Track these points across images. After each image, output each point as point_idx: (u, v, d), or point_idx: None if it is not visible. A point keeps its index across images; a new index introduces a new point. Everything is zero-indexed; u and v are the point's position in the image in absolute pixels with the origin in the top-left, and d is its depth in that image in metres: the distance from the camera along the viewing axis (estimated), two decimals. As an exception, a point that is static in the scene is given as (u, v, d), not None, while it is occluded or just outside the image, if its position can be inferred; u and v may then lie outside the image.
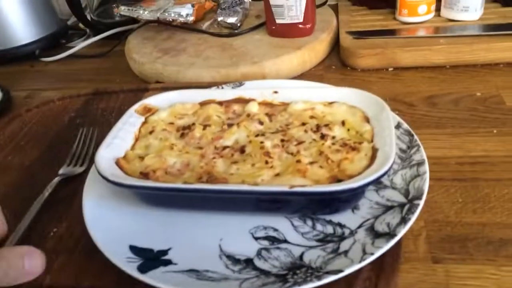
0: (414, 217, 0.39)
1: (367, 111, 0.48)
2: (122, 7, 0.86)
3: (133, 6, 0.86)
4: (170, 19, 0.84)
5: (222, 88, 0.60)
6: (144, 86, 0.72)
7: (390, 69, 0.71)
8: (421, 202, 0.40)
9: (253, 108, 0.51)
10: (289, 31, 0.77)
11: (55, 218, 0.49)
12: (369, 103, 0.48)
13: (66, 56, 0.93)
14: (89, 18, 1.00)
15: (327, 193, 0.37)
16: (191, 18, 0.83)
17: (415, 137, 0.48)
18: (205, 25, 0.85)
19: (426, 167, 0.44)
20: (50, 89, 0.82)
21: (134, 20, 0.89)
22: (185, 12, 0.83)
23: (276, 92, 0.53)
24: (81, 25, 1.01)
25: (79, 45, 0.95)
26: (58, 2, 1.08)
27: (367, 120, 0.47)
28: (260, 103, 0.52)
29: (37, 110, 0.70)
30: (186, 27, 0.84)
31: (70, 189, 0.52)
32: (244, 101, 0.53)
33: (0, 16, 0.91)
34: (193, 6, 0.84)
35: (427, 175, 0.43)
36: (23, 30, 0.94)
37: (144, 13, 0.85)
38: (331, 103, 0.50)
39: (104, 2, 1.03)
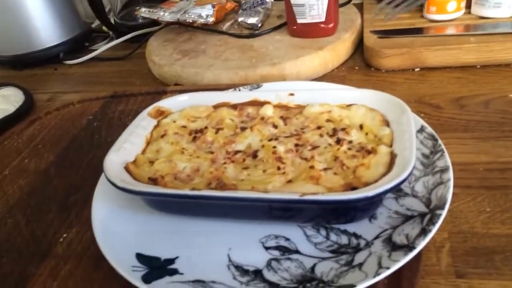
0: (435, 229, 0.36)
1: (387, 114, 0.45)
2: (143, 9, 0.86)
3: (154, 8, 0.86)
4: (190, 20, 0.83)
5: (239, 90, 0.59)
6: (162, 89, 0.71)
7: (417, 69, 0.68)
8: (443, 212, 0.37)
9: (267, 111, 0.49)
10: (311, 31, 0.75)
11: (66, 223, 0.48)
12: (390, 105, 0.45)
13: (89, 58, 0.93)
14: (112, 21, 1.01)
15: (340, 202, 0.35)
16: (211, 19, 0.82)
17: (439, 141, 0.45)
18: (225, 26, 0.84)
19: (450, 174, 0.41)
20: (71, 92, 0.83)
21: (156, 23, 0.89)
22: (205, 13, 0.82)
23: (292, 94, 0.51)
24: (104, 27, 1.02)
25: (102, 48, 0.95)
26: (83, 5, 1.09)
27: (386, 123, 0.44)
28: (275, 106, 0.50)
29: (56, 113, 0.70)
30: (206, 28, 0.83)
31: (83, 193, 0.52)
32: (258, 104, 0.51)
33: (25, 19, 0.92)
34: (213, 7, 0.83)
35: (451, 183, 0.40)
36: (48, 33, 0.95)
37: (164, 15, 0.84)
38: (349, 105, 0.48)
39: (127, 4, 1.03)
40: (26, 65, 0.95)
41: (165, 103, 0.53)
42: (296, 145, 0.44)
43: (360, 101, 0.47)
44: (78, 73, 0.91)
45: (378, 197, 0.35)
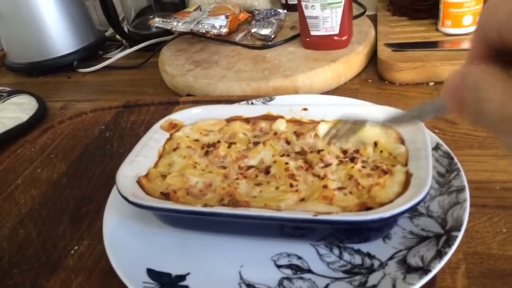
0: (451, 251, 0.36)
1: (402, 132, 0.45)
2: (157, 19, 0.86)
3: (167, 18, 0.86)
4: (204, 31, 0.83)
5: (251, 103, 0.58)
6: (175, 99, 0.71)
7: (431, 83, 0.67)
8: (460, 234, 0.37)
9: (280, 126, 0.49)
10: (324, 43, 0.74)
11: (78, 235, 0.48)
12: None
13: (102, 67, 0.94)
14: (126, 29, 1.01)
15: (354, 223, 0.34)
16: (224, 30, 0.82)
17: (455, 160, 0.45)
18: (238, 37, 0.84)
19: (466, 194, 0.40)
20: (84, 100, 0.83)
21: (169, 32, 0.89)
22: (219, 24, 0.82)
23: (305, 109, 0.50)
24: (118, 36, 1.02)
25: (115, 56, 0.95)
26: (97, 13, 1.10)
27: (401, 141, 0.44)
28: (288, 121, 0.50)
29: (69, 122, 0.71)
30: (219, 39, 0.83)
31: (94, 204, 0.52)
32: (272, 118, 0.51)
33: (40, 27, 0.93)
34: (227, 17, 0.83)
35: (468, 204, 0.39)
36: (63, 41, 0.95)
37: (178, 25, 0.85)
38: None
39: (141, 13, 1.04)
40: (40, 72, 0.96)
41: (178, 116, 0.53)
42: (308, 161, 0.43)
43: (375, 117, 0.47)
44: (91, 81, 0.91)
45: (393, 218, 0.34)
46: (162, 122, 0.52)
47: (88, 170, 0.58)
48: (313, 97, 0.61)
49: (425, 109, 0.31)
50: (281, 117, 0.50)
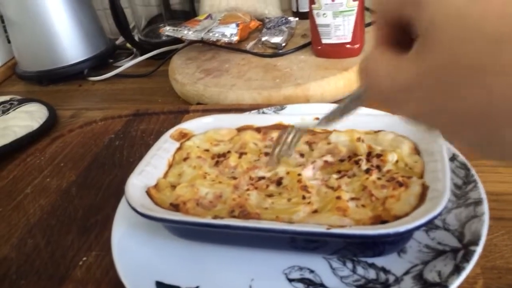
0: (469, 267, 0.34)
1: (417, 142, 0.43)
2: (167, 28, 0.86)
3: (178, 27, 0.86)
4: (214, 39, 0.82)
5: (263, 112, 0.58)
6: (185, 108, 0.71)
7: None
8: (478, 249, 0.36)
9: (292, 136, 0.48)
10: (336, 52, 0.73)
11: (86, 246, 0.47)
12: (420, 132, 0.44)
13: (112, 75, 0.94)
14: (136, 38, 1.01)
15: (368, 237, 0.33)
16: (235, 38, 0.81)
17: (472, 171, 0.43)
18: (249, 45, 0.84)
19: (484, 207, 0.39)
20: (95, 109, 0.83)
21: (180, 40, 0.89)
22: (229, 32, 0.81)
23: (317, 118, 0.49)
24: (128, 44, 1.02)
25: (126, 65, 0.95)
26: (108, 21, 1.11)
27: (417, 152, 0.43)
28: (300, 130, 0.49)
29: (79, 131, 0.70)
30: (230, 47, 0.83)
31: (103, 215, 0.51)
32: (283, 128, 0.50)
33: (52, 36, 0.93)
34: (237, 25, 0.83)
35: (486, 217, 0.38)
36: (74, 50, 0.96)
37: (188, 33, 0.84)
38: (376, 132, 0.46)
39: (151, 22, 1.04)
40: (51, 80, 0.96)
41: (188, 125, 0.52)
42: (323, 168, 0.43)
43: (390, 128, 0.46)
44: (101, 90, 0.91)
45: (409, 233, 0.33)
46: (172, 131, 0.51)
47: (97, 180, 0.58)
48: (325, 106, 0.60)
49: (349, 100, 0.31)
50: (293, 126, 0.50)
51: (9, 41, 1.03)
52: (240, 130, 0.51)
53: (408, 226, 0.33)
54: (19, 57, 1.00)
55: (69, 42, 0.95)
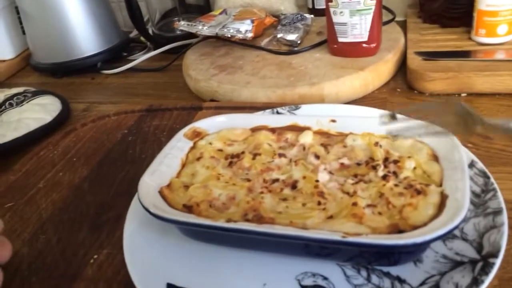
0: (488, 280, 0.34)
1: (435, 148, 0.42)
2: (182, 22, 0.85)
3: (192, 21, 0.85)
4: (229, 35, 0.81)
5: (277, 111, 0.57)
6: (198, 105, 0.70)
7: (463, 94, 0.65)
8: (498, 261, 0.35)
9: (307, 138, 0.47)
10: (352, 51, 0.72)
11: (97, 244, 0.47)
12: (439, 138, 0.43)
13: (125, 69, 0.93)
14: (150, 31, 1.01)
15: (385, 247, 0.33)
16: (250, 35, 0.80)
17: (492, 179, 0.42)
18: (264, 42, 0.83)
19: (504, 217, 0.38)
20: (107, 102, 0.83)
21: (194, 35, 0.88)
22: (244, 28, 0.81)
23: (333, 120, 0.49)
24: (142, 38, 1.02)
25: (139, 58, 0.95)
26: (122, 14, 1.10)
27: (435, 158, 0.42)
28: (315, 132, 0.48)
29: (92, 125, 0.70)
30: (244, 43, 0.82)
31: (115, 212, 0.51)
32: (298, 129, 0.49)
33: (66, 28, 0.93)
34: (252, 22, 0.82)
35: (506, 228, 0.37)
36: (88, 42, 0.95)
37: (203, 29, 0.83)
38: (394, 136, 0.45)
39: (165, 15, 1.03)
40: (64, 73, 0.96)
41: (202, 124, 0.51)
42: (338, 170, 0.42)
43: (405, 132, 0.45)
44: (114, 83, 0.91)
45: (427, 244, 0.32)
46: (185, 130, 0.51)
47: (109, 176, 0.57)
48: (340, 107, 0.59)
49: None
50: (308, 128, 0.49)
51: (23, 33, 1.03)
52: (254, 130, 0.50)
53: (426, 238, 0.32)
54: (34, 49, 1.00)
55: (83, 35, 0.95)
